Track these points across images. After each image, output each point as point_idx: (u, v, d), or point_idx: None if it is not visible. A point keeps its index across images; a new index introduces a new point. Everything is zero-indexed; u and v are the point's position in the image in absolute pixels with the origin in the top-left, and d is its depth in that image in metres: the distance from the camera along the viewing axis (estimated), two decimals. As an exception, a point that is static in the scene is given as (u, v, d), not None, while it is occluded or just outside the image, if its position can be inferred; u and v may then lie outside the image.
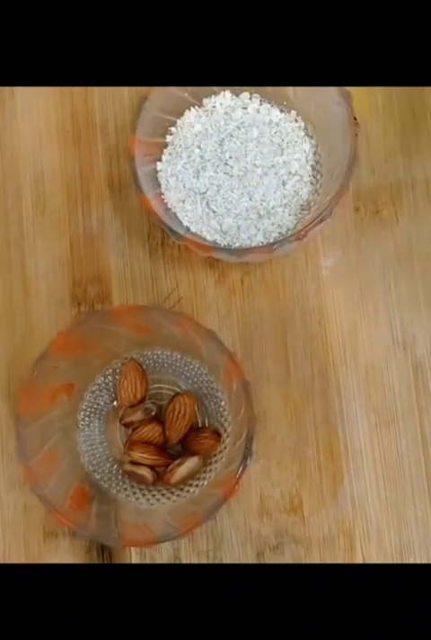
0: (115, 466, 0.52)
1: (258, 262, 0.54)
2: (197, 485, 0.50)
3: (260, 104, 0.54)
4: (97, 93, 0.58)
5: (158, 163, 0.54)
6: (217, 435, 0.51)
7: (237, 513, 0.52)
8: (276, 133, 0.54)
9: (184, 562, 0.51)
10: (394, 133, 0.56)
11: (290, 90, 0.53)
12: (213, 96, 0.54)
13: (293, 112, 0.54)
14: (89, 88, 0.58)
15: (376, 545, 0.51)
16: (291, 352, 0.53)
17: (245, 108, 0.54)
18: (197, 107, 0.54)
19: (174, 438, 0.51)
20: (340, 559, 0.51)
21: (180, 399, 0.51)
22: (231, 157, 0.53)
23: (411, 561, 0.51)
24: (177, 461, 0.50)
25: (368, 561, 0.51)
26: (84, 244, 0.56)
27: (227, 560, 0.51)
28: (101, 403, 0.53)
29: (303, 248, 0.54)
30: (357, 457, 0.52)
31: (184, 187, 0.53)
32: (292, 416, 0.53)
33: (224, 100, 0.54)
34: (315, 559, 0.51)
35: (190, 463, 0.50)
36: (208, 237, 0.53)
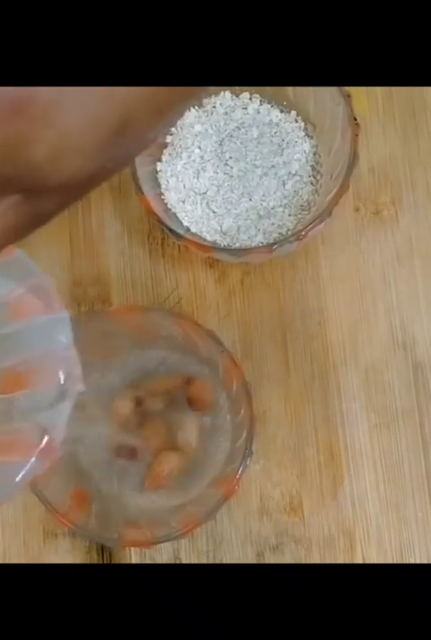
0: (115, 467, 0.52)
1: (258, 262, 0.54)
2: (197, 486, 0.50)
3: (260, 104, 0.54)
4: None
5: (158, 163, 0.54)
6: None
7: (237, 513, 0.52)
8: (276, 133, 0.54)
9: (184, 562, 0.51)
10: (394, 133, 0.56)
11: (290, 90, 0.53)
12: (213, 96, 0.54)
13: (293, 113, 0.54)
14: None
15: (376, 545, 0.51)
16: (291, 353, 0.53)
17: (245, 108, 0.54)
18: (197, 107, 0.54)
19: None
20: (340, 559, 0.51)
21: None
22: (231, 158, 0.53)
23: (411, 561, 0.51)
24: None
25: (368, 561, 0.51)
26: (84, 245, 0.55)
27: (227, 560, 0.51)
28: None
29: (302, 248, 0.54)
30: (357, 457, 0.52)
31: (184, 187, 0.53)
32: (292, 416, 0.53)
33: (223, 100, 0.54)
34: (315, 559, 0.51)
35: (169, 458, 0.50)
36: (208, 238, 0.53)
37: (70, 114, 0.26)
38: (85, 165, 0.27)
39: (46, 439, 0.34)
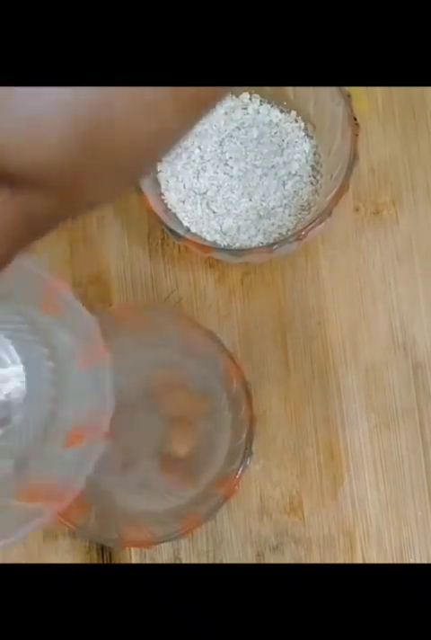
0: (115, 466, 0.52)
1: (258, 262, 0.54)
2: (197, 486, 0.50)
3: (260, 105, 0.54)
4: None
5: (158, 163, 0.54)
6: None
7: (237, 513, 0.52)
8: (276, 133, 0.54)
9: (184, 562, 0.51)
10: (394, 133, 0.56)
11: (290, 90, 0.53)
12: (213, 96, 0.54)
13: (293, 113, 0.54)
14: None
15: (376, 545, 0.51)
16: (291, 353, 0.53)
17: (245, 108, 0.54)
18: (196, 107, 0.54)
19: None
20: (340, 559, 0.51)
21: None
22: (231, 158, 0.53)
23: (411, 561, 0.51)
24: None
25: (368, 561, 0.51)
26: (84, 245, 0.55)
27: (227, 560, 0.51)
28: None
29: (303, 248, 0.54)
30: (357, 457, 0.52)
31: (184, 187, 0.53)
32: (292, 416, 0.53)
33: (223, 100, 0.54)
34: (315, 559, 0.51)
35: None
36: (208, 238, 0.53)
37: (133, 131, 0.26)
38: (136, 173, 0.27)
39: (68, 491, 0.34)
